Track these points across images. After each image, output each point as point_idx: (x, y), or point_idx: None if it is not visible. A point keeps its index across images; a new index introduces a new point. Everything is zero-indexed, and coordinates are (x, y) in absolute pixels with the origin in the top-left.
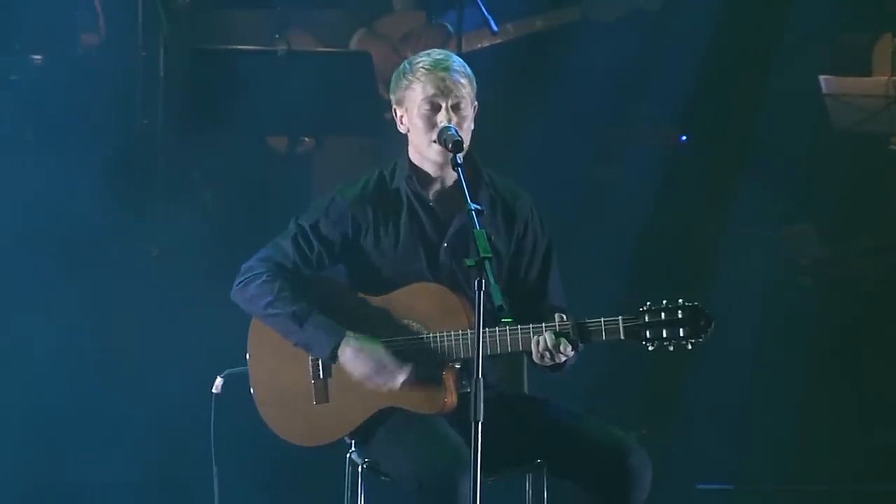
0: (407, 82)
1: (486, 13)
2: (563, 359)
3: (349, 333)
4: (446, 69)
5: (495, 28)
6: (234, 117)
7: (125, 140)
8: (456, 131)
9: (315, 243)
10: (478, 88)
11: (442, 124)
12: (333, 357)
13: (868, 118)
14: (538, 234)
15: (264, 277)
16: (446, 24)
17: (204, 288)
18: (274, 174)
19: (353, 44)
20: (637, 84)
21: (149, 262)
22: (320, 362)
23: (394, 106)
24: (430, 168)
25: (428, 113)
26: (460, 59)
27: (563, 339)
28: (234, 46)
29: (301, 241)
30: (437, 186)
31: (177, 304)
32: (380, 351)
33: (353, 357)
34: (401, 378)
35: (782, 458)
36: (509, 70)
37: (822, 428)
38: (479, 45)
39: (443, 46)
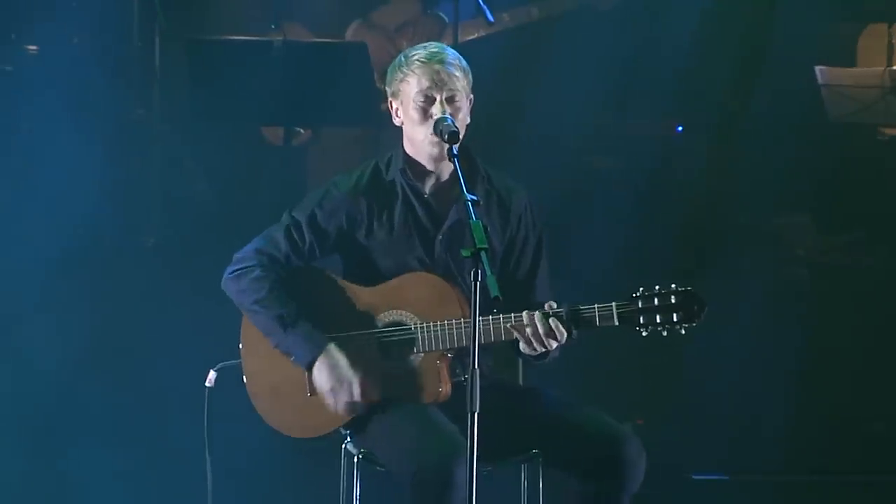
0: (402, 75)
1: (481, 3)
2: (554, 345)
3: (330, 347)
4: (441, 62)
5: (491, 18)
6: (229, 108)
7: (120, 130)
8: (452, 121)
9: (308, 235)
10: (474, 79)
11: (436, 117)
12: (311, 368)
13: (863, 109)
14: (530, 229)
15: (257, 273)
16: (441, 14)
17: (199, 279)
18: (269, 165)
19: (349, 34)
20: (634, 74)
21: (144, 252)
22: None
23: (389, 98)
24: (425, 161)
25: (423, 105)
26: (455, 52)
27: (556, 322)
28: (230, 37)
29: (294, 233)
30: (432, 179)
31: (172, 296)
32: (342, 367)
33: (319, 372)
34: (349, 395)
35: (778, 449)
36: (505, 60)
37: (817, 418)
38: (475, 35)
39: (438, 37)
